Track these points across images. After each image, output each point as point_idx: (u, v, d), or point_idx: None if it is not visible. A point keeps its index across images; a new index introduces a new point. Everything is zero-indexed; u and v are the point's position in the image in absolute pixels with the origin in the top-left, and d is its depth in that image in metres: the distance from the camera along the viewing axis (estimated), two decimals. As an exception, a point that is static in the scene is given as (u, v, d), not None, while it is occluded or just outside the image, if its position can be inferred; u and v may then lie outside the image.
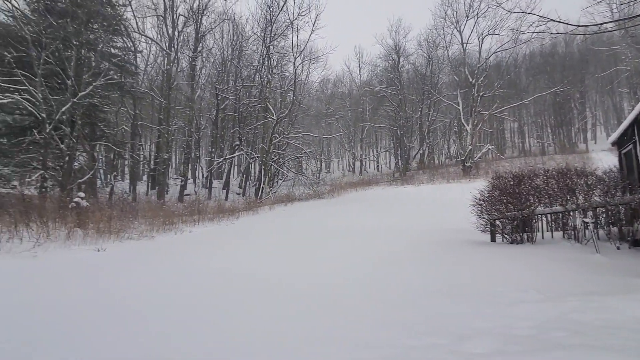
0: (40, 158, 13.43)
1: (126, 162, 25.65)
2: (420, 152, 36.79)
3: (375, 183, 25.43)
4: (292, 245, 8.13)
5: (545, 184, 7.10)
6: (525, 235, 6.70)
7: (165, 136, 21.17)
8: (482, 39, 27.24)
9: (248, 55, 27.96)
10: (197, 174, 30.61)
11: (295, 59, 23.88)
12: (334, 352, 2.51)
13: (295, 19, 23.37)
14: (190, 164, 27.31)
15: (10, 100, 12.32)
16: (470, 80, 26.66)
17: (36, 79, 12.49)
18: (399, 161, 34.97)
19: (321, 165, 40.55)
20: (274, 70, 25.87)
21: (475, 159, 25.32)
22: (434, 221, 10.98)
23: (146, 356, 2.54)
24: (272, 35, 24.59)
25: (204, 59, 27.11)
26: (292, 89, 24.68)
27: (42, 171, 13.09)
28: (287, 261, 6.46)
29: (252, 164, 27.68)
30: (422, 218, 11.81)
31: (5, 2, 13.77)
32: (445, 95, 33.27)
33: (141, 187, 24.20)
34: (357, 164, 41.34)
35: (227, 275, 5.33)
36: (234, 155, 25.75)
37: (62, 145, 13.14)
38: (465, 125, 26.45)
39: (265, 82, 25.46)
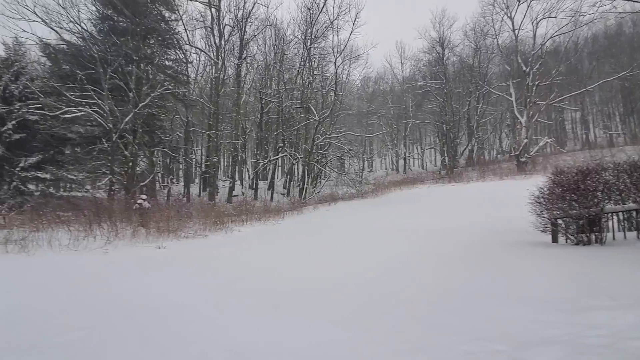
0: (108, 164, 14.88)
1: (180, 166, 27.51)
2: (469, 148, 34.96)
3: (421, 181, 24.64)
4: (339, 245, 8.17)
5: (615, 179, 6.39)
6: (593, 236, 6.08)
7: (215, 140, 22.33)
8: (537, 24, 25.13)
9: (289, 58, 28.57)
10: (243, 176, 31.91)
11: (335, 59, 23.97)
12: (389, 355, 2.50)
13: (335, 19, 23.46)
14: (237, 166, 28.54)
15: (83, 113, 13.80)
16: (524, 68, 24.76)
17: (103, 93, 13.85)
18: (446, 158, 33.50)
19: (364, 164, 40.17)
20: (315, 72, 26.18)
21: (531, 153, 23.48)
22: (485, 221, 10.39)
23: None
24: (313, 37, 24.89)
25: (248, 65, 28.20)
26: (333, 89, 24.78)
27: (110, 176, 14.49)
28: (335, 260, 6.49)
29: (296, 165, 28.23)
30: (472, 217, 11.22)
31: (77, 25, 15.44)
32: (496, 86, 31.24)
33: (194, 189, 25.80)
34: (401, 162, 40.34)
35: (276, 275, 5.49)
36: (278, 156, 26.44)
37: (126, 152, 14.44)
38: (519, 117, 24.63)
39: (307, 83, 25.85)
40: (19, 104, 15.81)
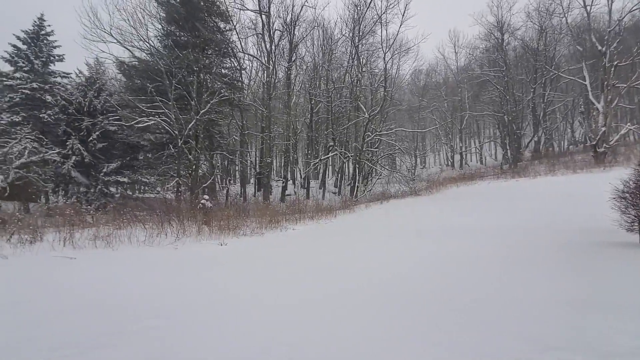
0: (175, 168, 16.24)
1: (237, 168, 29.06)
2: (535, 139, 31.96)
3: (480, 177, 23.16)
4: (395, 245, 8.01)
5: None
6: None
7: (268, 142, 23.21)
8: (613, -3, 22.17)
9: (337, 57, 28.64)
10: (295, 175, 32.72)
11: (384, 54, 23.47)
12: None
13: (384, 12, 22.96)
14: (289, 166, 29.35)
15: (153, 122, 15.23)
16: (599, 48, 21.98)
17: (170, 103, 15.13)
18: (508, 151, 30.98)
19: (416, 160, 38.82)
20: (364, 69, 25.90)
21: (610, 142, 20.76)
22: (557, 219, 9.44)
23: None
24: (361, 34, 24.66)
25: (297, 67, 28.84)
26: (383, 84, 24.30)
27: (177, 178, 15.81)
28: (392, 259, 6.39)
29: (346, 163, 28.22)
30: (541, 215, 10.27)
31: (146, 42, 17.05)
32: (565, 70, 28.14)
33: (249, 189, 27.08)
34: (457, 157, 38.24)
35: (334, 273, 5.55)
36: (329, 155, 26.66)
37: (190, 156, 15.63)
38: (595, 102, 21.91)
39: (356, 81, 25.69)
40: (101, 116, 17.95)
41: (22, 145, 14.67)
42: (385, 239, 8.80)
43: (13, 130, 16.60)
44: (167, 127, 15.39)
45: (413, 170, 29.19)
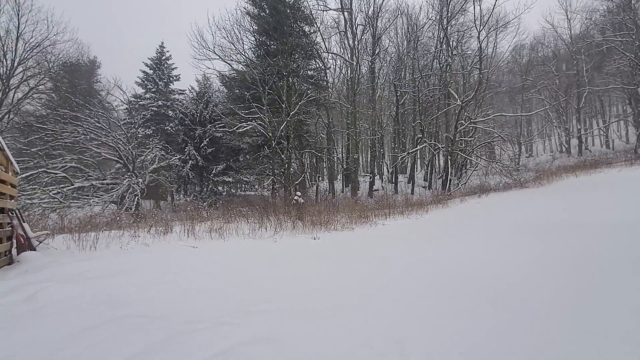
0: (270, 167, 17.68)
1: (324, 165, 30.09)
2: (689, 113, 25.22)
3: (606, 164, 19.35)
4: (499, 240, 7.31)
5: None
6: None
7: (354, 138, 23.44)
8: None
9: (424, 43, 27.17)
10: (382, 170, 32.30)
11: (479, 32, 21.34)
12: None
13: (476, -13, 20.90)
14: (375, 161, 29.13)
15: (250, 126, 16.82)
16: None
17: (264, 108, 16.50)
18: (647, 131, 25.12)
19: (520, 148, 34.39)
20: (454, 52, 24.03)
21: None
22: None
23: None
24: (449, 14, 22.93)
25: (381, 60, 28.33)
26: (477, 66, 22.19)
27: (272, 177, 17.18)
28: (503, 259, 5.87)
29: (437, 156, 26.65)
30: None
31: (242, 55, 18.85)
32: None
33: (337, 185, 27.78)
34: (574, 141, 32.58)
35: (434, 266, 5.38)
36: (417, 148, 25.57)
37: (282, 156, 16.81)
38: None
39: (445, 66, 24.02)
40: (209, 125, 20.61)
41: (153, 154, 17.83)
42: (485, 235, 8.07)
43: (147, 141, 20.27)
44: (262, 130, 16.84)
45: (517, 160, 25.94)
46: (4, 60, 20.13)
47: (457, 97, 21.48)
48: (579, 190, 13.55)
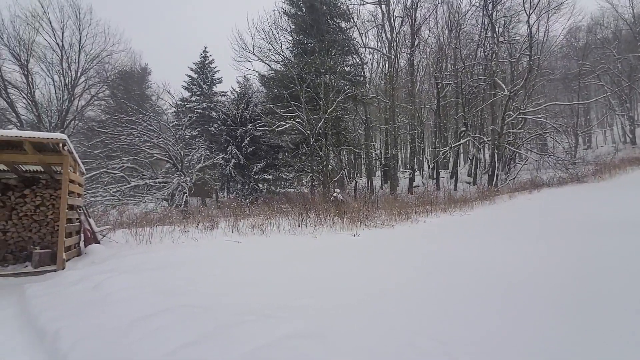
0: (309, 164, 17.88)
1: (363, 161, 29.83)
2: None
3: (684, 155, 17.20)
4: (552, 243, 6.81)
5: None
6: None
7: (392, 133, 22.95)
8: None
9: (467, 31, 25.76)
10: (422, 166, 31.31)
11: (528, 16, 19.85)
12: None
13: (525, -33, 19.43)
14: (415, 157, 28.30)
15: (289, 124, 17.12)
16: None
17: (302, 106, 16.71)
18: None
19: (577, 140, 31.55)
20: (501, 39, 22.55)
21: None
22: None
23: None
24: (495, -1, 21.54)
25: (420, 52, 27.36)
26: (527, 53, 20.63)
27: (311, 174, 17.38)
28: (552, 262, 5.49)
29: (482, 150, 25.29)
30: None
31: (280, 54, 19.21)
32: None
33: (376, 182, 27.39)
34: (639, 131, 29.26)
35: (480, 268, 5.16)
36: (460, 142, 24.44)
37: (321, 153, 16.93)
38: None
39: (490, 54, 22.64)
40: (250, 124, 21.27)
41: (199, 153, 18.80)
42: (535, 235, 7.53)
43: (193, 142, 21.40)
44: (300, 128, 17.06)
45: (573, 152, 23.85)
46: (70, 72, 22.28)
47: (504, 86, 20.18)
48: (649, 185, 12.20)
